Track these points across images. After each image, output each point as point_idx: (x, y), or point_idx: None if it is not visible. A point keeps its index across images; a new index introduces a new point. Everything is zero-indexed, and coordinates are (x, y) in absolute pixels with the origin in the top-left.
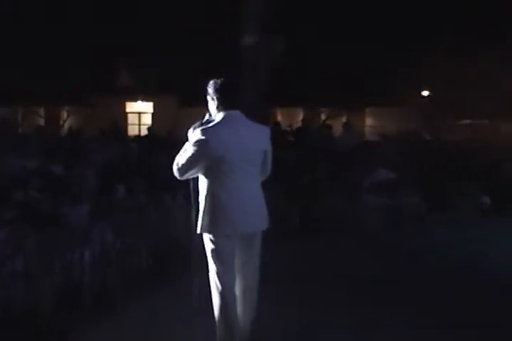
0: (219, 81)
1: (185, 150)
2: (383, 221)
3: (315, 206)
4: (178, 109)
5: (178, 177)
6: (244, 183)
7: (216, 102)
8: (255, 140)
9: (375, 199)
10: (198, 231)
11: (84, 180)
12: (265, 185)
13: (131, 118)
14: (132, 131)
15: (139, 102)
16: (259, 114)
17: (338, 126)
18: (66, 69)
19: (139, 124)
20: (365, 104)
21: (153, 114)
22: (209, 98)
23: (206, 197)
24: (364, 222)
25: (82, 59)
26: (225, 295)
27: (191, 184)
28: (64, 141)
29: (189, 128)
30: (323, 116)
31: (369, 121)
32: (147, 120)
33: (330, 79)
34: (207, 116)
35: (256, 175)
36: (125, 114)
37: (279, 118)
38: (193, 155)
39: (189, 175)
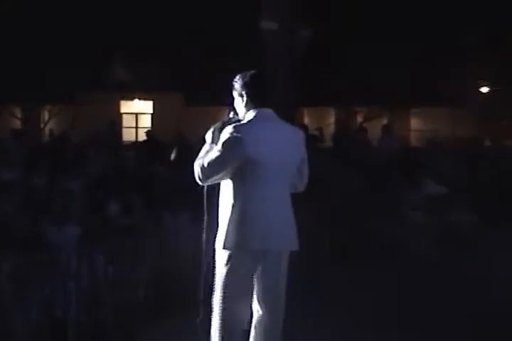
0: (248, 74)
1: (207, 152)
2: (433, 243)
3: (350, 225)
4: (184, 109)
5: (201, 183)
6: (277, 192)
7: (245, 99)
8: (292, 143)
9: (422, 218)
10: (222, 247)
11: (70, 195)
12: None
13: (127, 120)
14: (128, 135)
15: (136, 101)
16: (281, 114)
17: (377, 129)
18: (47, 62)
19: (136, 127)
20: (410, 104)
21: (152, 114)
22: (235, 94)
23: (234, 205)
24: (409, 244)
25: (67, 49)
26: (233, 328)
27: (205, 189)
28: (46, 147)
29: (208, 129)
30: (359, 118)
31: (415, 124)
32: (146, 122)
33: (368, 73)
34: (231, 115)
35: (288, 185)
36: (119, 115)
37: (306, 120)
38: (223, 155)
39: (214, 180)
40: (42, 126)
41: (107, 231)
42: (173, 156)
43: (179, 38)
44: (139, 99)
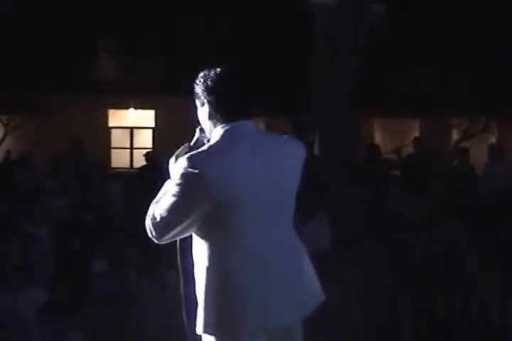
0: (213, 73)
1: (164, 194)
2: None
3: (446, 297)
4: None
5: (156, 240)
6: (274, 240)
7: (208, 109)
8: (287, 166)
9: None
10: (199, 331)
11: (33, 245)
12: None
13: (118, 138)
14: (119, 159)
15: (132, 110)
16: (338, 127)
17: (481, 149)
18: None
19: (131, 148)
20: None
21: (154, 129)
22: (198, 103)
23: (208, 272)
24: None
25: (32, 37)
26: None
27: (178, 243)
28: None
29: (170, 157)
30: (455, 135)
31: None
32: (145, 140)
33: (468, 72)
34: (197, 134)
35: (290, 225)
36: (107, 130)
37: (378, 136)
38: (179, 200)
39: (174, 236)
40: None
41: (85, 299)
42: None
43: (192, 22)
44: (135, 107)
